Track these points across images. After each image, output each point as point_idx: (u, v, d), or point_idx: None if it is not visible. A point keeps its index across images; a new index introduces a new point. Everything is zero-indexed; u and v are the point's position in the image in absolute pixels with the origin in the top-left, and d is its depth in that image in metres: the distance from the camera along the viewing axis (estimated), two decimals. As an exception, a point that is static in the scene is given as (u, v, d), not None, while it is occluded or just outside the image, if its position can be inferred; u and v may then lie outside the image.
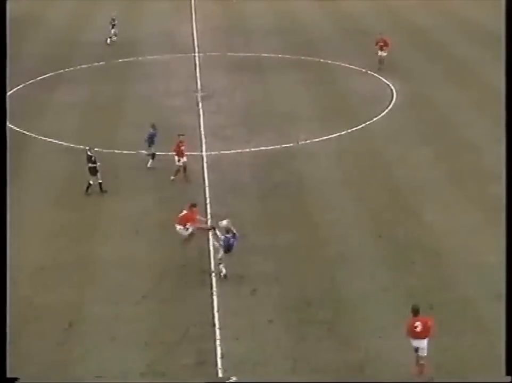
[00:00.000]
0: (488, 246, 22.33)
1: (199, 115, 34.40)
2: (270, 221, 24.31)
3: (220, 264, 21.18)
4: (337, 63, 41.76)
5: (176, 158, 27.35)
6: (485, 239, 22.79)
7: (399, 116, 33.79)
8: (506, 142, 19.43)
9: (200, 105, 35.78)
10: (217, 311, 19.70)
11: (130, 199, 26.19)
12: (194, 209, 22.55)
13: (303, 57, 43.14)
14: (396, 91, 36.76)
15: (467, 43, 44.26)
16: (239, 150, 30.20)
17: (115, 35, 46.09)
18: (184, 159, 27.36)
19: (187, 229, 22.20)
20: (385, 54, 39.90)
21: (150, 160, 28.34)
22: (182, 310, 19.80)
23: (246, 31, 49.13)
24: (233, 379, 17.19)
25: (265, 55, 43.88)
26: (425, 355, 17.08)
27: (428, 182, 26.87)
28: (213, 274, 21.42)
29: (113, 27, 46.25)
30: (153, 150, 28.29)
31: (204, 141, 31.38)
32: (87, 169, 26.37)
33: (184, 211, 22.37)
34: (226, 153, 30.02)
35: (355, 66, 41.04)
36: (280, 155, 29.60)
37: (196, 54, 44.29)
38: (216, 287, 20.74)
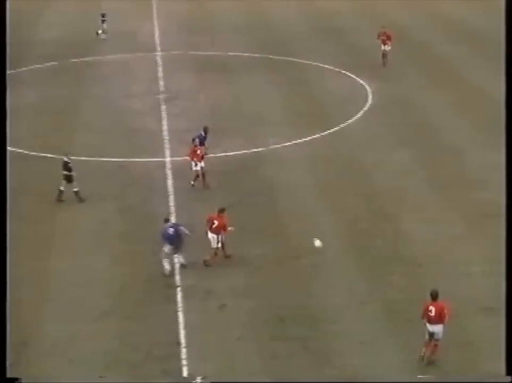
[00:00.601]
0: (471, 255, 22.57)
1: (162, 118, 34.31)
2: (240, 232, 24.23)
3: (163, 258, 21.27)
4: (309, 62, 42.00)
5: (193, 163, 27.41)
6: (468, 248, 23.03)
7: (375, 118, 34.07)
8: (506, 142, 19.63)
9: (163, 107, 35.69)
10: (183, 328, 19.60)
11: (89, 208, 25.99)
12: (223, 215, 22.40)
13: (273, 56, 43.29)
14: (371, 92, 37.07)
15: (446, 43, 44.81)
16: (205, 155, 30.15)
17: (105, 32, 46.42)
18: (202, 163, 27.33)
19: (219, 239, 22.22)
20: (388, 48, 40.44)
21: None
22: (145, 328, 19.66)
23: (212, 29, 49.20)
24: (199, 379, 17.21)
25: (233, 54, 43.97)
26: (440, 337, 17.91)
27: (407, 189, 27.09)
28: (179, 288, 21.33)
29: (103, 23, 46.55)
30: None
31: (167, 146, 31.28)
32: (61, 176, 26.23)
33: (215, 220, 22.16)
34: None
35: (328, 66, 41.31)
36: (250, 161, 29.62)
37: (158, 53, 44.22)
38: (182, 303, 20.65)
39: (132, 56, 43.69)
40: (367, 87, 37.80)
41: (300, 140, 31.63)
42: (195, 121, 33.93)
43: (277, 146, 31.19)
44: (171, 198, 26.75)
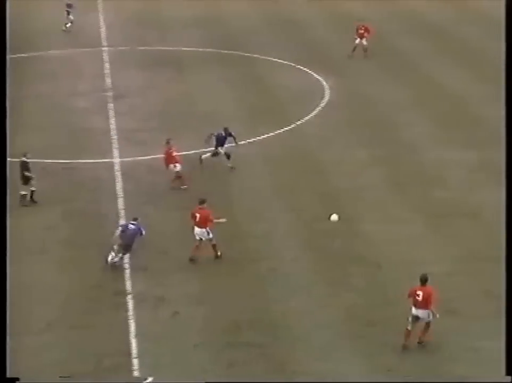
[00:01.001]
0: (432, 255, 22.86)
1: (109, 117, 34.06)
2: (193, 235, 24.20)
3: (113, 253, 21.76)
4: (263, 57, 42.10)
5: (171, 165, 27.39)
6: (428, 248, 23.31)
7: (332, 115, 34.30)
8: (507, 140, 19.85)
9: (110, 105, 35.43)
10: (134, 337, 19.48)
11: (33, 213, 25.68)
12: (204, 206, 22.73)
13: (225, 51, 43.29)
14: (328, 87, 37.31)
15: (405, 37, 45.28)
16: (156, 156, 29.99)
17: (71, 22, 46.08)
18: (179, 165, 27.39)
19: (208, 232, 22.45)
20: (365, 43, 41.08)
21: (205, 155, 28.93)
22: (94, 338, 19.49)
23: (161, 23, 49.00)
24: (149, 379, 17.16)
25: (184, 49, 43.86)
26: (429, 320, 18.54)
27: (366, 188, 27.32)
28: (129, 295, 21.19)
29: (68, 14, 46.23)
30: (217, 150, 28.94)
31: (115, 146, 31.07)
32: (20, 178, 25.95)
33: (197, 213, 22.54)
34: (142, 160, 29.79)
35: (283, 60, 41.46)
36: (203, 160, 29.55)
37: (105, 48, 43.88)
38: (133, 311, 20.53)
39: (76, 51, 43.27)
40: (324, 82, 38.03)
41: (255, 139, 31.70)
42: (144, 120, 33.80)
43: (232, 144, 31.19)
44: (120, 201, 26.57)
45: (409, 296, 18.86)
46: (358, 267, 22.39)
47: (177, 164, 27.50)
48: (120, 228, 22.54)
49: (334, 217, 23.75)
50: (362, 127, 32.87)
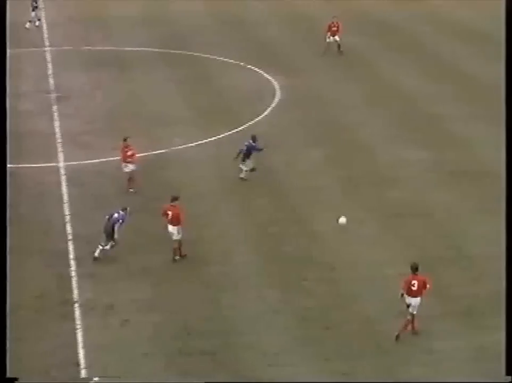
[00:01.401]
0: (386, 257, 23.20)
1: (53, 120, 33.81)
2: (143, 241, 24.22)
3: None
4: (212, 57, 42.19)
5: (129, 165, 27.33)
6: (382, 250, 23.65)
7: (284, 115, 34.54)
8: (506, 142, 20.19)
9: (54, 107, 35.18)
10: (82, 348, 19.42)
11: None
12: (176, 203, 23.03)
13: (173, 51, 43.28)
14: (279, 87, 37.56)
15: (357, 35, 45.70)
16: (103, 159, 29.91)
17: (39, 19, 45.68)
18: (133, 166, 27.36)
19: (179, 232, 22.78)
20: (338, 39, 41.42)
21: (243, 175, 28.07)
22: (39, 350, 19.38)
23: (106, 22, 48.76)
24: (96, 379, 17.20)
25: (130, 49, 43.72)
26: (415, 312, 19.28)
27: (319, 189, 27.60)
28: (77, 304, 21.10)
29: (33, 10, 45.80)
30: (246, 166, 27.91)
31: (60, 149, 30.87)
32: None
33: (169, 211, 22.88)
34: (88, 164, 29.66)
35: (233, 60, 41.61)
36: (152, 163, 29.53)
37: (47, 48, 43.52)
38: (81, 320, 20.44)
39: (17, 51, 42.79)
40: (274, 82, 38.27)
41: (205, 140, 31.77)
42: (90, 122, 33.64)
43: (181, 146, 31.23)
44: (66, 206, 26.42)
45: (404, 287, 19.45)
46: (312, 270, 22.63)
47: (128, 165, 27.41)
48: (107, 216, 22.95)
49: (342, 220, 23.41)
50: (315, 127, 33.17)
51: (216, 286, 22.03)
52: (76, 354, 19.17)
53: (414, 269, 19.45)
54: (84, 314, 20.68)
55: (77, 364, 18.82)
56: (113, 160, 29.91)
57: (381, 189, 27.35)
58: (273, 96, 36.63)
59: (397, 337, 19.29)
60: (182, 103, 35.88)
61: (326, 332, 19.78)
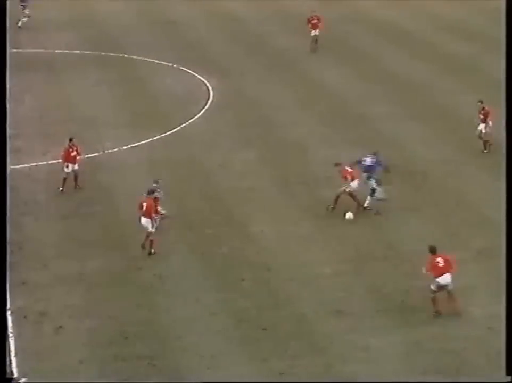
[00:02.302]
0: (321, 256, 23.37)
1: (-19, 125, 33.09)
2: (75, 246, 23.94)
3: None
4: (143, 59, 41.96)
5: (65, 164, 26.98)
6: (317, 249, 23.82)
7: (217, 117, 34.55)
8: (506, 142, 20.38)
9: (-18, 112, 34.43)
10: (15, 356, 19.05)
11: None
12: (152, 196, 23.31)
13: (103, 53, 42.91)
14: (212, 89, 37.54)
15: (286, 35, 46.04)
16: (34, 164, 29.48)
17: (28, 16, 45.07)
18: (76, 166, 27.12)
19: (155, 221, 23.06)
20: (317, 33, 41.66)
21: (369, 197, 25.51)
22: (-28, 360, 18.96)
23: (33, 24, 47.97)
24: (23, 380, 17.13)
25: (58, 51, 43.16)
26: (452, 287, 19.81)
27: (254, 189, 27.67)
28: (8, 312, 20.71)
29: (24, 8, 45.17)
30: (373, 184, 25.38)
31: (-11, 155, 30.23)
32: None
33: (144, 203, 23.14)
34: (18, 169, 29.16)
35: (164, 61, 41.45)
36: (84, 167, 29.15)
37: (-26, 51, 42.60)
38: (13, 327, 20.06)
39: None
40: (207, 83, 38.25)
41: (138, 143, 31.57)
42: (19, 126, 33.01)
43: (114, 150, 30.97)
44: (-4, 212, 25.88)
45: (430, 272, 19.90)
46: (248, 271, 22.66)
47: (69, 165, 27.20)
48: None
49: (349, 215, 23.71)
50: (248, 128, 33.26)
51: (152, 289, 21.90)
52: (9, 362, 18.71)
53: (433, 250, 20.09)
54: (16, 321, 20.31)
55: (11, 373, 18.45)
56: (44, 165, 29.53)
57: (315, 188, 27.56)
58: (207, 97, 36.60)
59: (438, 312, 20.03)
60: (114, 106, 35.58)
61: (263, 333, 19.84)
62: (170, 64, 41.08)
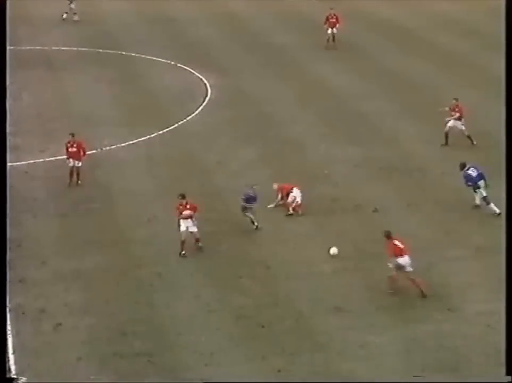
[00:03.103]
0: (319, 253, 23.37)
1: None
2: (74, 243, 23.93)
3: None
4: (142, 56, 41.94)
5: (67, 159, 27.27)
6: (315, 247, 23.82)
7: (216, 114, 34.54)
8: (506, 140, 20.37)
9: (-20, 109, 34.43)
10: (13, 353, 19.06)
11: None
12: (186, 200, 23.42)
13: (101, 50, 42.86)
14: (210, 86, 37.53)
15: (285, 33, 46.03)
16: (32, 161, 29.47)
17: (74, 13, 46.18)
18: (78, 163, 27.28)
19: (194, 223, 23.29)
20: (335, 31, 41.85)
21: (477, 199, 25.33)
22: (-30, 357, 18.96)
23: (30, 21, 47.94)
24: (23, 379, 17.09)
25: (57, 48, 43.11)
26: (411, 269, 20.71)
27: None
28: (7, 309, 20.69)
29: (71, 2, 45.97)
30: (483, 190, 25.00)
31: (-13, 152, 30.22)
32: None
33: (182, 207, 23.25)
34: (16, 166, 29.14)
35: (162, 59, 41.42)
36: (82, 165, 29.15)
37: (-29, 48, 42.55)
38: (11, 325, 20.06)
39: None
40: (205, 81, 38.24)
41: (136, 140, 31.56)
42: (17, 123, 33.01)
43: (112, 147, 30.95)
44: (-6, 210, 25.88)
45: (392, 255, 20.77)
46: (247, 269, 22.67)
47: (71, 160, 27.30)
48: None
49: (334, 250, 22.97)
50: (246, 125, 33.26)
51: (151, 287, 21.90)
52: (7, 359, 18.76)
53: (389, 235, 21.01)
54: (15, 318, 20.31)
55: (9, 370, 18.46)
56: (42, 162, 29.52)
57: (314, 185, 27.55)
58: (205, 94, 36.59)
59: (422, 294, 20.66)
60: (112, 103, 35.56)
61: (262, 330, 19.85)
62: (168, 61, 41.05)
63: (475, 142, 30.12)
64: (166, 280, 22.21)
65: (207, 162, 29.75)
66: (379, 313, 20.43)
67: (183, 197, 23.51)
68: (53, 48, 43.08)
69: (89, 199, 26.76)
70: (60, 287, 21.77)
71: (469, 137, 30.17)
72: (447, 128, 30.30)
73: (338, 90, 37.05)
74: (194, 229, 23.40)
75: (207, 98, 36.16)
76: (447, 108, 30.44)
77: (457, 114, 30.11)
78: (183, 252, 23.25)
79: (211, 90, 37.09)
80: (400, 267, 20.71)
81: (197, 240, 23.55)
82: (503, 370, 16.70)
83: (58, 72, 39.51)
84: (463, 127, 30.15)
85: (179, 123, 33.27)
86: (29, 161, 29.42)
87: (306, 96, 36.43)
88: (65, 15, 47.20)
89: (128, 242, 24.06)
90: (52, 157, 29.90)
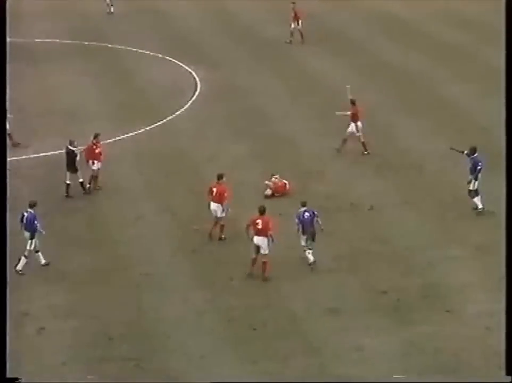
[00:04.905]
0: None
1: (-41, 117, 32.96)
2: (59, 243, 23.86)
3: (305, 250, 22.28)
4: (128, 48, 41.84)
5: (90, 162, 26.77)
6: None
7: (205, 108, 34.48)
8: (507, 140, 20.39)
9: (-40, 104, 34.30)
10: (-4, 358, 19.00)
11: None
12: (222, 181, 23.61)
13: (86, 43, 42.74)
14: (200, 80, 37.46)
15: (276, 26, 45.90)
16: (15, 158, 29.34)
17: (111, 5, 47.24)
18: (99, 164, 26.90)
19: (223, 210, 23.51)
20: (300, 26, 42.07)
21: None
22: (-49, 362, 18.87)
23: (11, 12, 47.64)
24: (22, 379, 17.06)
25: (40, 41, 42.97)
26: (266, 253, 21.65)
27: (243, 184, 27.56)
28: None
29: None
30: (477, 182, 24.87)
31: (-32, 149, 30.10)
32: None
33: (214, 188, 23.58)
34: (-2, 163, 29.00)
35: (150, 52, 41.33)
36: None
37: (-49, 41, 42.39)
38: (-6, 328, 19.98)
39: None
40: (194, 74, 38.17)
41: (124, 136, 31.51)
42: (-1, 119, 32.90)
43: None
44: (-24, 208, 25.77)
45: (249, 225, 21.73)
46: (237, 269, 22.60)
47: (95, 161, 26.89)
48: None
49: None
50: (237, 120, 33.21)
51: (138, 288, 21.85)
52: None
53: (262, 211, 21.78)
54: (-2, 322, 20.23)
55: (-8, 376, 18.40)
56: (26, 159, 29.42)
57: (307, 181, 27.54)
58: (194, 88, 36.53)
59: (251, 275, 21.63)
60: (98, 98, 35.48)
61: (254, 333, 19.82)
62: (157, 54, 40.95)
63: (366, 152, 29.17)
64: (155, 281, 22.16)
65: (196, 158, 29.70)
66: (375, 314, 20.42)
67: (220, 177, 23.89)
68: (35, 40, 42.91)
69: (74, 197, 26.67)
70: (44, 289, 21.71)
71: (363, 144, 29.17)
72: (348, 133, 29.10)
73: (332, 84, 36.98)
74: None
75: (196, 92, 36.10)
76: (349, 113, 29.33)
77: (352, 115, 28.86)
78: (223, 235, 23.85)
79: (201, 84, 37.02)
80: (256, 247, 21.58)
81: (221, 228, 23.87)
82: (503, 373, 16.69)
83: (40, 65, 39.40)
84: (357, 131, 29.00)
85: (168, 118, 33.22)
86: (11, 158, 29.22)
87: (300, 90, 36.38)
88: (112, 9, 48.12)
89: (114, 242, 24.00)
90: (35, 153, 29.81)
